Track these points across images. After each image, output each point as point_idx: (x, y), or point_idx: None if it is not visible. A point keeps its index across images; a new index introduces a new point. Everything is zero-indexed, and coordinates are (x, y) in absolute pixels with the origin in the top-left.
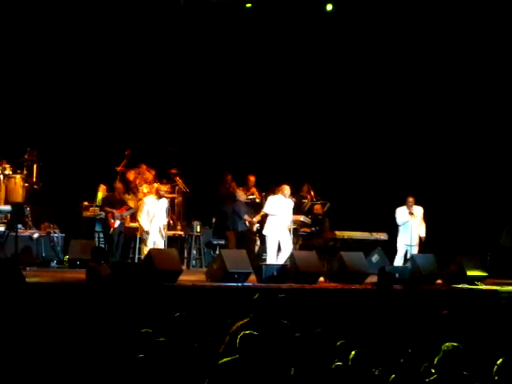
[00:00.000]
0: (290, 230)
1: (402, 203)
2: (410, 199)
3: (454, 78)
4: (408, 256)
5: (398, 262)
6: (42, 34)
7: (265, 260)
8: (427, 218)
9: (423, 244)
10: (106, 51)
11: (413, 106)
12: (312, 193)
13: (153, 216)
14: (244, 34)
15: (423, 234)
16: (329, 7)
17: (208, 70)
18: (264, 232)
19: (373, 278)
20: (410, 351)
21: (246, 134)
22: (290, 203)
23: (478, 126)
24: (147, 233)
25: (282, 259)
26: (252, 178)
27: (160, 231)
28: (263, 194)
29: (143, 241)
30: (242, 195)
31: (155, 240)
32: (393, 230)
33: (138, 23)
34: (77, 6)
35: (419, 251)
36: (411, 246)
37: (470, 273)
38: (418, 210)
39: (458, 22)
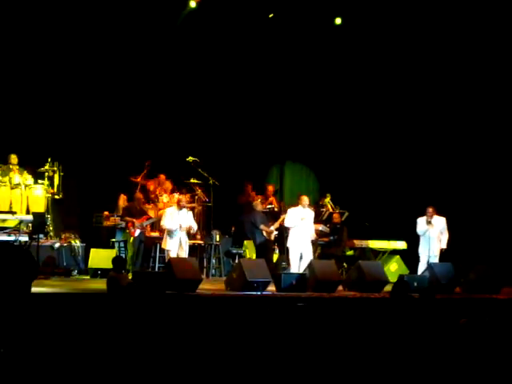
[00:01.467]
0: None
1: (423, 213)
2: (430, 209)
3: (474, 84)
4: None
5: (422, 270)
6: (66, 47)
7: (284, 269)
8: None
9: (442, 254)
10: (127, 63)
11: (435, 117)
12: (330, 204)
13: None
14: (263, 44)
15: (444, 246)
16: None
17: (226, 81)
18: (288, 244)
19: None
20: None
21: (265, 144)
22: (309, 213)
23: (499, 136)
24: (171, 231)
25: (302, 269)
26: (271, 188)
27: (181, 244)
28: (282, 203)
29: (166, 251)
30: (258, 205)
31: (178, 252)
32: (412, 238)
33: (156, 35)
34: (94, 13)
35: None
36: (430, 256)
37: None
38: (439, 221)
39: (458, 22)
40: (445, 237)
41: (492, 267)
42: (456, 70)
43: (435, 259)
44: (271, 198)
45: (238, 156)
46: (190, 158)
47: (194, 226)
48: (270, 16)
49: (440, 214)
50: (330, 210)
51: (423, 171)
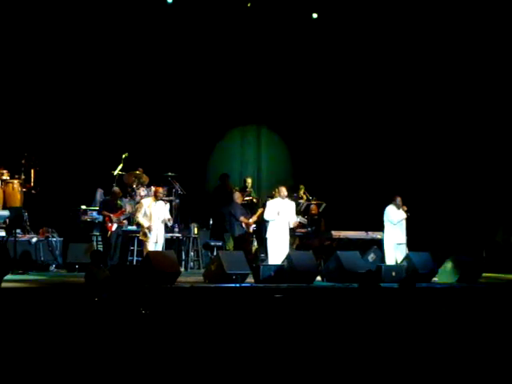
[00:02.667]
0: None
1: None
2: (399, 198)
3: (442, 78)
4: (397, 254)
5: (390, 260)
6: (38, 40)
7: (262, 261)
8: (423, 215)
9: (417, 244)
10: (102, 56)
11: (405, 107)
12: (305, 196)
13: (150, 218)
14: (239, 37)
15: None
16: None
17: (202, 73)
18: (266, 235)
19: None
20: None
21: (242, 135)
22: (289, 204)
23: (471, 123)
24: (149, 228)
25: (280, 260)
26: (249, 180)
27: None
28: (259, 195)
29: (144, 244)
30: (238, 197)
31: (156, 241)
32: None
33: (133, 28)
34: (70, 10)
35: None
36: (401, 244)
37: None
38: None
39: (455, 19)
40: None
41: (469, 256)
42: (430, 64)
43: (404, 247)
44: (249, 190)
45: (215, 148)
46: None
47: (170, 219)
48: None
49: (414, 203)
50: (306, 201)
51: (398, 161)
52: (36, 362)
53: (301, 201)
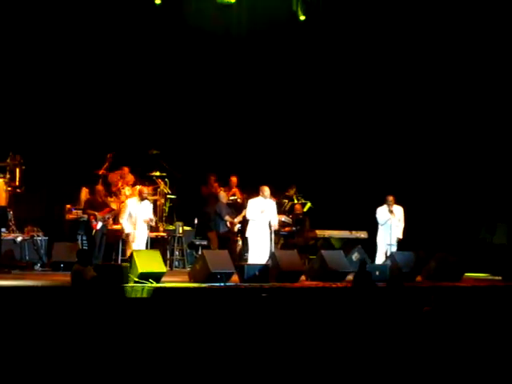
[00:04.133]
0: (273, 231)
1: (382, 202)
2: (390, 198)
3: (430, 77)
4: (388, 254)
5: (380, 259)
6: (22, 37)
7: (247, 260)
8: (405, 216)
9: (400, 243)
10: (88, 55)
11: (390, 106)
12: (295, 197)
13: (135, 218)
14: (225, 34)
15: (400, 235)
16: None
17: (190, 71)
18: (247, 234)
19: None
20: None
21: (228, 135)
22: (271, 204)
23: (454, 124)
24: (127, 235)
25: (262, 259)
26: (234, 179)
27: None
28: (245, 194)
29: (127, 243)
30: (224, 196)
31: (139, 242)
32: (373, 228)
33: (123, 27)
34: (59, 7)
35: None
36: (391, 244)
37: None
38: (398, 210)
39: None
40: (401, 226)
41: (452, 255)
42: (417, 59)
43: (394, 248)
44: (234, 189)
45: (201, 147)
46: (153, 151)
47: (153, 218)
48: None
49: (398, 203)
50: (295, 202)
51: (382, 161)
52: (25, 361)
53: (285, 200)
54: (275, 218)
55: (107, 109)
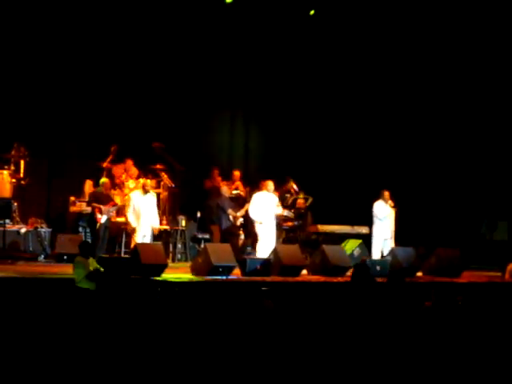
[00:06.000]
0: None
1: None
2: (386, 193)
3: (433, 69)
4: (384, 249)
5: (376, 254)
6: (28, 30)
7: (248, 253)
8: (406, 211)
9: (399, 238)
10: (92, 47)
11: (390, 101)
12: (295, 187)
13: (139, 211)
14: (226, 25)
15: (393, 229)
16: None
17: (192, 64)
18: (256, 229)
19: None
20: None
21: (230, 130)
22: (274, 198)
23: (454, 118)
24: (133, 230)
25: (265, 253)
26: (237, 173)
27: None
28: (247, 188)
29: (132, 236)
30: (226, 190)
31: (144, 234)
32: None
33: (125, 19)
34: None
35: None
36: (387, 239)
37: None
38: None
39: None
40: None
41: (452, 251)
42: (416, 57)
43: (391, 242)
44: (237, 183)
45: (204, 140)
46: (156, 144)
47: (155, 216)
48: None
49: (399, 198)
50: (297, 196)
51: (384, 156)
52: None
53: (287, 195)
54: (279, 210)
55: (111, 101)
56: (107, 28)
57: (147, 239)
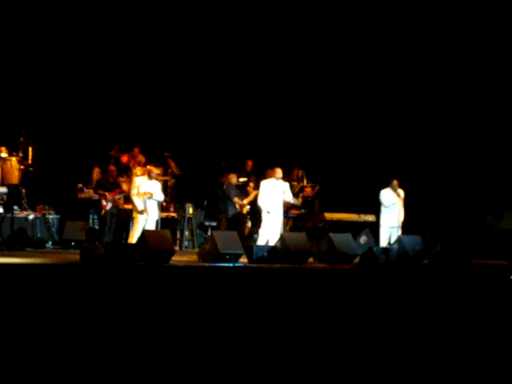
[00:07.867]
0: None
1: (386, 185)
2: (395, 182)
3: (429, 66)
4: (391, 238)
5: (384, 242)
6: (37, 22)
7: (255, 241)
8: (412, 199)
9: (405, 227)
10: (99, 39)
11: (397, 92)
12: (301, 175)
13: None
14: (231, 25)
15: (402, 218)
16: None
17: (199, 58)
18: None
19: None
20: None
21: (238, 118)
22: (282, 185)
23: (461, 108)
24: (141, 212)
25: (272, 240)
26: (250, 163)
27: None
28: (253, 177)
29: (134, 222)
30: (233, 178)
31: (146, 218)
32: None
33: (131, 17)
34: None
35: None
36: (394, 227)
37: None
38: (401, 193)
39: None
40: (402, 209)
41: (460, 240)
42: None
43: (398, 231)
44: (252, 177)
45: (213, 130)
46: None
47: (161, 197)
48: None
49: (406, 187)
50: (305, 184)
51: (391, 145)
52: (30, 341)
53: (294, 183)
54: (287, 197)
55: (120, 88)
56: (113, 23)
57: (152, 223)
